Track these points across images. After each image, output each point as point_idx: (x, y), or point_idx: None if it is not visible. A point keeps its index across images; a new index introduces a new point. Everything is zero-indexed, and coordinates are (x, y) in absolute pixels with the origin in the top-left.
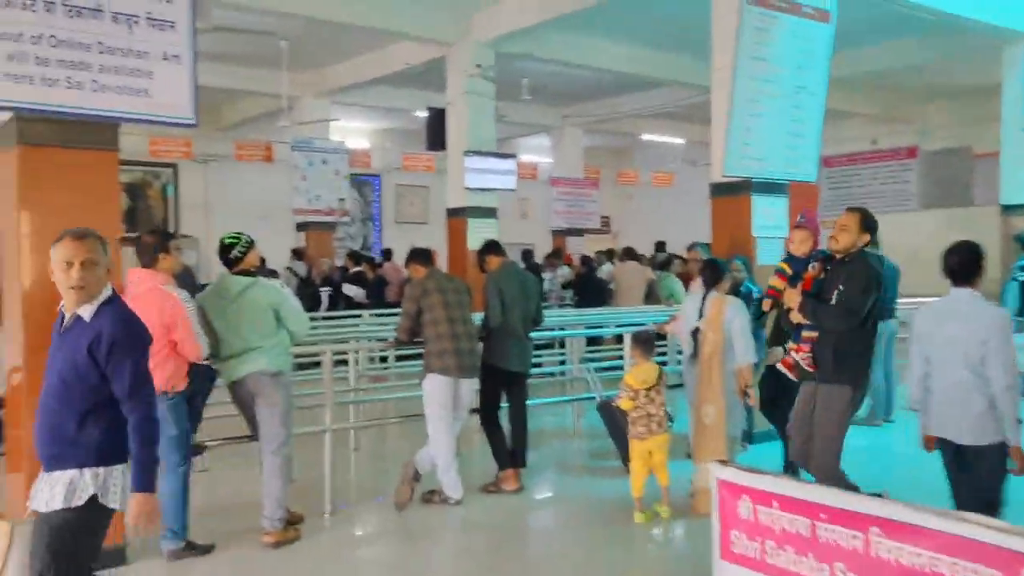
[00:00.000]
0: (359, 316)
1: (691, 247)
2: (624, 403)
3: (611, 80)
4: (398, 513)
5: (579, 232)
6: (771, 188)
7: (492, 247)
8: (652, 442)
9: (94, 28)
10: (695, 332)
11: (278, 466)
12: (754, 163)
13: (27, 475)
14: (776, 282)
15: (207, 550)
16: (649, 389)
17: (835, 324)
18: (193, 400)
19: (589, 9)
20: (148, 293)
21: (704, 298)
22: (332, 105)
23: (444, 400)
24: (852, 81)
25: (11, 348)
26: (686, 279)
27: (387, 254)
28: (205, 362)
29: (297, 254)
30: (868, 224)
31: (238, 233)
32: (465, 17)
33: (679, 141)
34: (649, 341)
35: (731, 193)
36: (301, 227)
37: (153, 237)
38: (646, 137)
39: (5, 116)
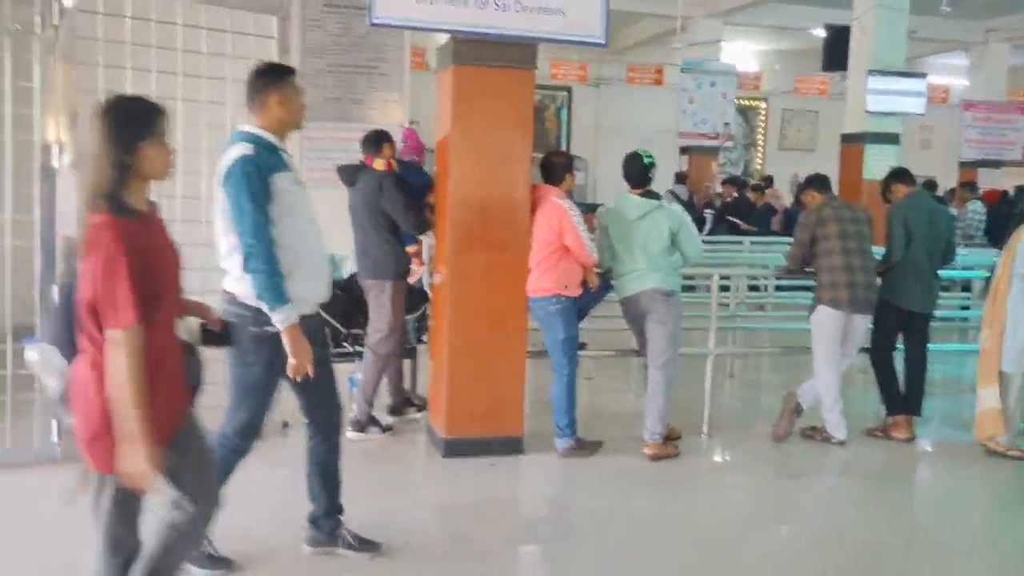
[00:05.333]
0: (740, 243)
1: None
2: None
3: None
4: (775, 445)
5: (995, 164)
6: None
7: (900, 175)
8: None
9: None
10: None
11: (662, 382)
12: None
13: (447, 362)
14: None
15: (594, 450)
16: None
17: None
18: (584, 309)
19: None
20: (545, 204)
21: None
22: (724, 26)
23: (833, 335)
24: None
25: (438, 249)
26: None
27: (768, 181)
28: (603, 274)
29: (679, 178)
30: None
31: (651, 152)
32: None
33: None
34: None
35: None
36: (684, 151)
37: (561, 158)
38: None
39: (443, 38)
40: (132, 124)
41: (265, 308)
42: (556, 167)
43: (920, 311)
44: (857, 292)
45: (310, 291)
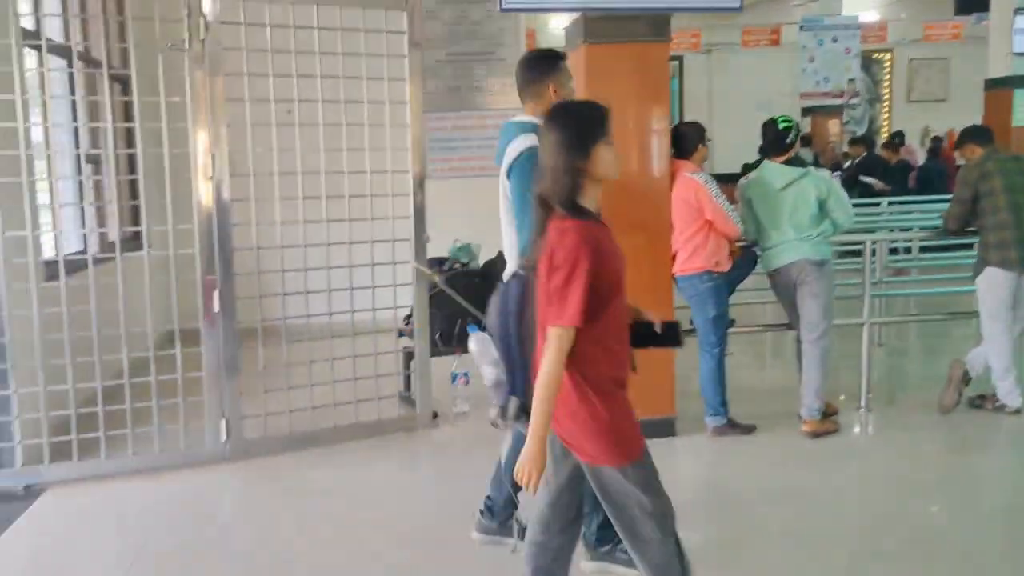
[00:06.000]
0: (877, 204)
1: None
2: None
3: None
4: (941, 416)
5: None
6: None
7: None
8: None
9: None
10: None
11: (818, 356)
12: None
13: None
14: None
15: (748, 430)
16: None
17: None
18: (733, 284)
19: None
20: (679, 181)
21: None
22: None
23: (1003, 297)
24: None
25: None
26: None
27: (900, 136)
28: (748, 246)
29: (804, 140)
30: None
31: (789, 117)
32: None
33: None
34: None
35: None
36: (806, 112)
37: (692, 128)
38: None
39: (556, 18)
40: (586, 128)
41: None
42: (687, 139)
43: None
44: None
45: None
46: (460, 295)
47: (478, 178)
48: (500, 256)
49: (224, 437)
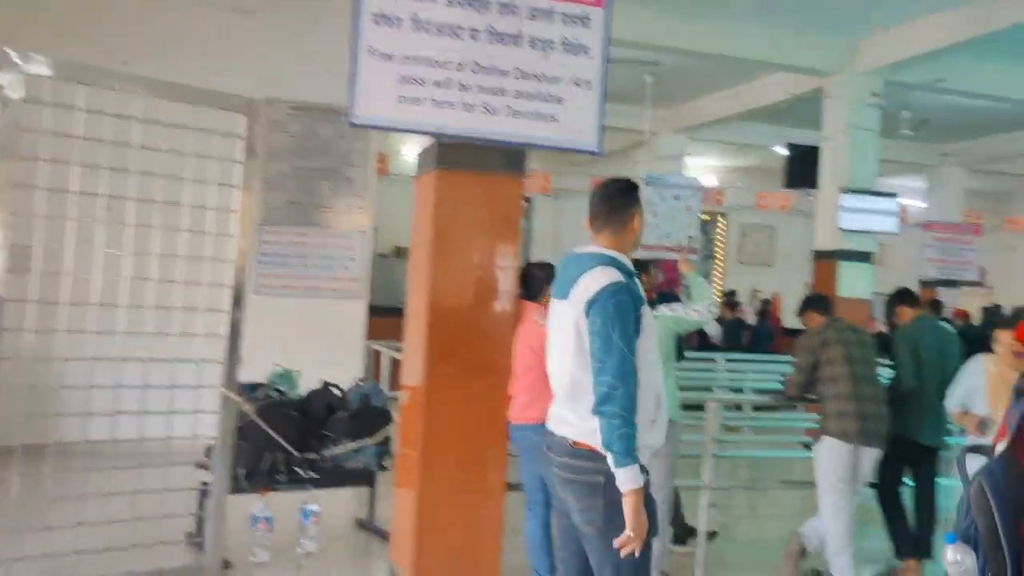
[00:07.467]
0: (713, 360)
1: None
2: None
3: (1008, 113)
4: None
5: (952, 283)
6: None
7: (905, 296)
8: None
9: (512, 54)
10: None
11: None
12: None
13: (418, 494)
14: None
15: None
16: None
17: None
18: None
19: (1003, 31)
20: (525, 325)
21: None
22: (688, 141)
23: (841, 470)
24: None
25: (409, 366)
26: None
27: (732, 294)
28: None
29: None
30: None
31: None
32: (851, 44)
33: None
34: None
35: None
36: (646, 263)
37: (540, 271)
38: None
39: (427, 141)
40: None
41: (609, 461)
42: (536, 280)
43: (931, 444)
44: (868, 423)
45: (660, 438)
46: (273, 428)
47: (310, 299)
48: (325, 388)
49: None
